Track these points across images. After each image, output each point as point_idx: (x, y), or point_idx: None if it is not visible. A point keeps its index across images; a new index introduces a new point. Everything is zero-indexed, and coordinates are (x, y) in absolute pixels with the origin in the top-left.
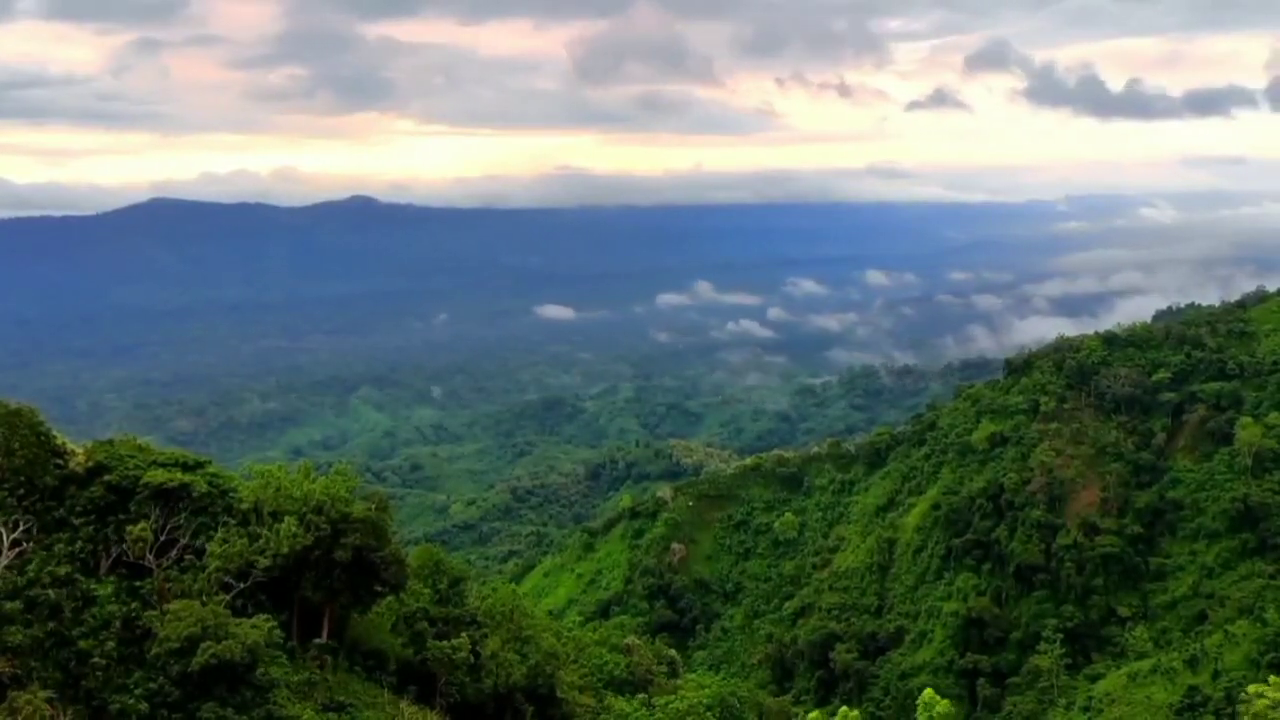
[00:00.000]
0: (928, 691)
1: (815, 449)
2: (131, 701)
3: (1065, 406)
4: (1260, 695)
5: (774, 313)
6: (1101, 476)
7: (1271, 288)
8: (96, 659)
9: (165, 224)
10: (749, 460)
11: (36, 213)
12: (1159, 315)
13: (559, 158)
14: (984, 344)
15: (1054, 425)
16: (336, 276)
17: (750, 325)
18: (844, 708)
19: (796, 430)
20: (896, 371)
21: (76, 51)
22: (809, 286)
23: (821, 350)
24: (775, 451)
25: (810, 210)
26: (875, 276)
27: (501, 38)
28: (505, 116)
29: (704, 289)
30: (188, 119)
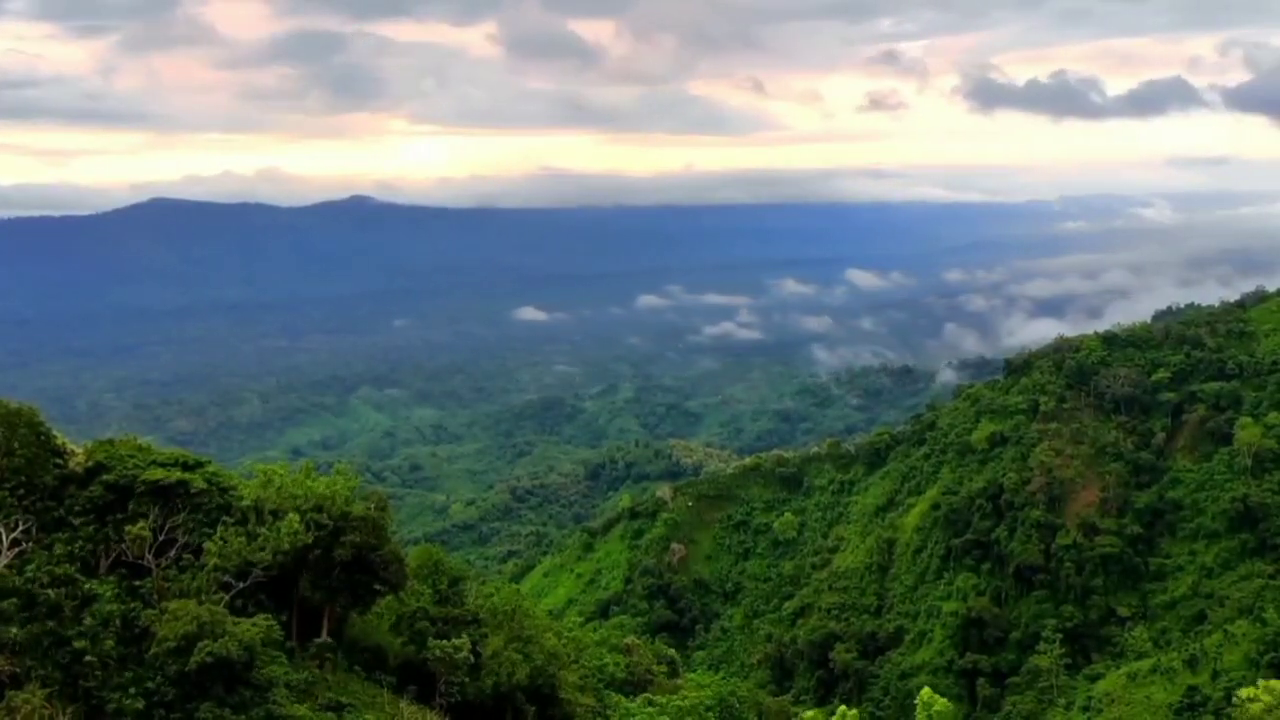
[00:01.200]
0: (926, 690)
1: (815, 449)
2: (129, 700)
3: (1065, 406)
4: (1254, 699)
5: (765, 313)
6: (1101, 476)
7: (1271, 288)
8: (94, 658)
9: (164, 224)
10: (749, 460)
11: (35, 213)
12: (1158, 315)
13: (557, 157)
14: (981, 344)
15: (1054, 425)
16: (336, 276)
17: (733, 327)
18: (843, 707)
19: (796, 430)
20: (896, 371)
21: (66, 51)
22: (800, 287)
23: (808, 351)
24: (775, 451)
25: (808, 210)
26: (868, 277)
27: (491, 39)
28: (499, 116)
29: (699, 289)
30: (180, 119)
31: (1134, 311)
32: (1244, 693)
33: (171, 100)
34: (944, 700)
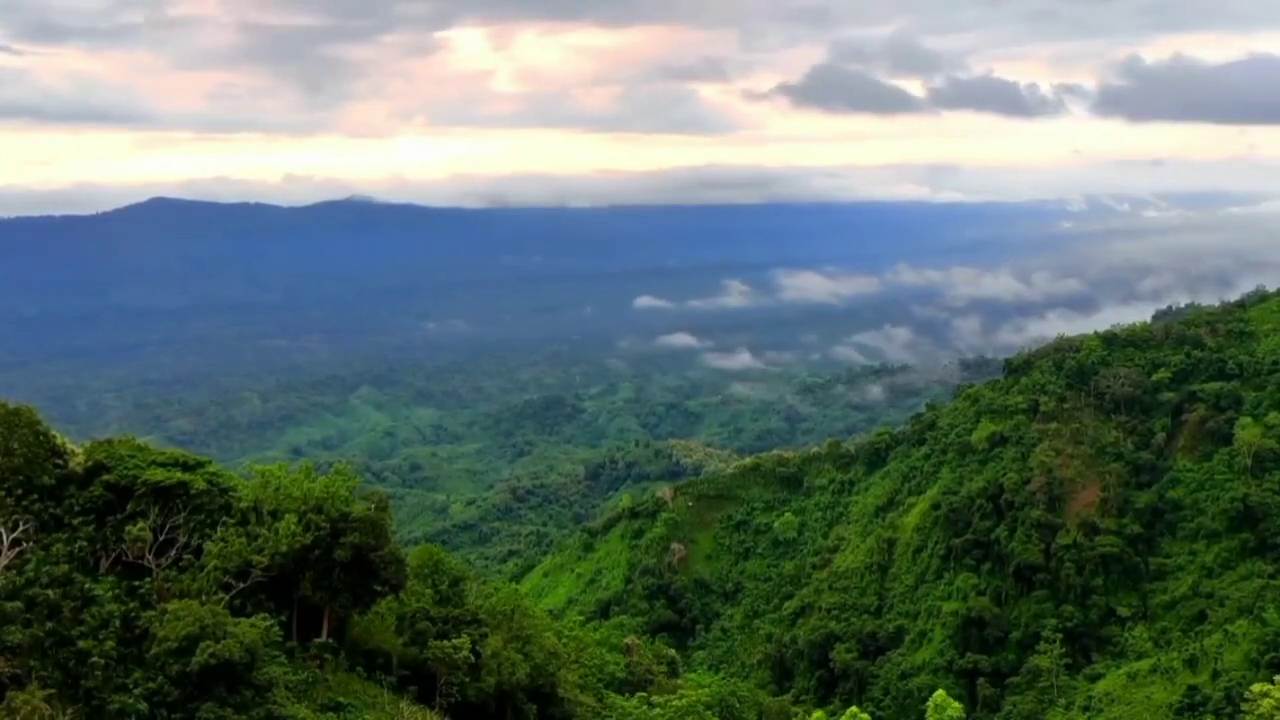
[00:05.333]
0: (940, 693)
1: (815, 449)
2: (131, 701)
3: (1065, 406)
4: (1266, 695)
5: (763, 312)
6: (1101, 476)
7: (1271, 287)
8: (96, 659)
9: (164, 224)
10: (749, 460)
11: (35, 213)
12: (1159, 315)
13: (552, 156)
14: (979, 343)
15: (1054, 425)
16: (336, 276)
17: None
18: (854, 708)
19: (796, 430)
20: (896, 371)
21: (46, 50)
22: (801, 284)
23: (811, 345)
24: (775, 451)
25: (802, 210)
26: (838, 279)
27: (475, 40)
28: (491, 117)
29: (702, 288)
30: (158, 119)
31: (1142, 311)
32: (1256, 688)
33: (148, 101)
34: (957, 704)
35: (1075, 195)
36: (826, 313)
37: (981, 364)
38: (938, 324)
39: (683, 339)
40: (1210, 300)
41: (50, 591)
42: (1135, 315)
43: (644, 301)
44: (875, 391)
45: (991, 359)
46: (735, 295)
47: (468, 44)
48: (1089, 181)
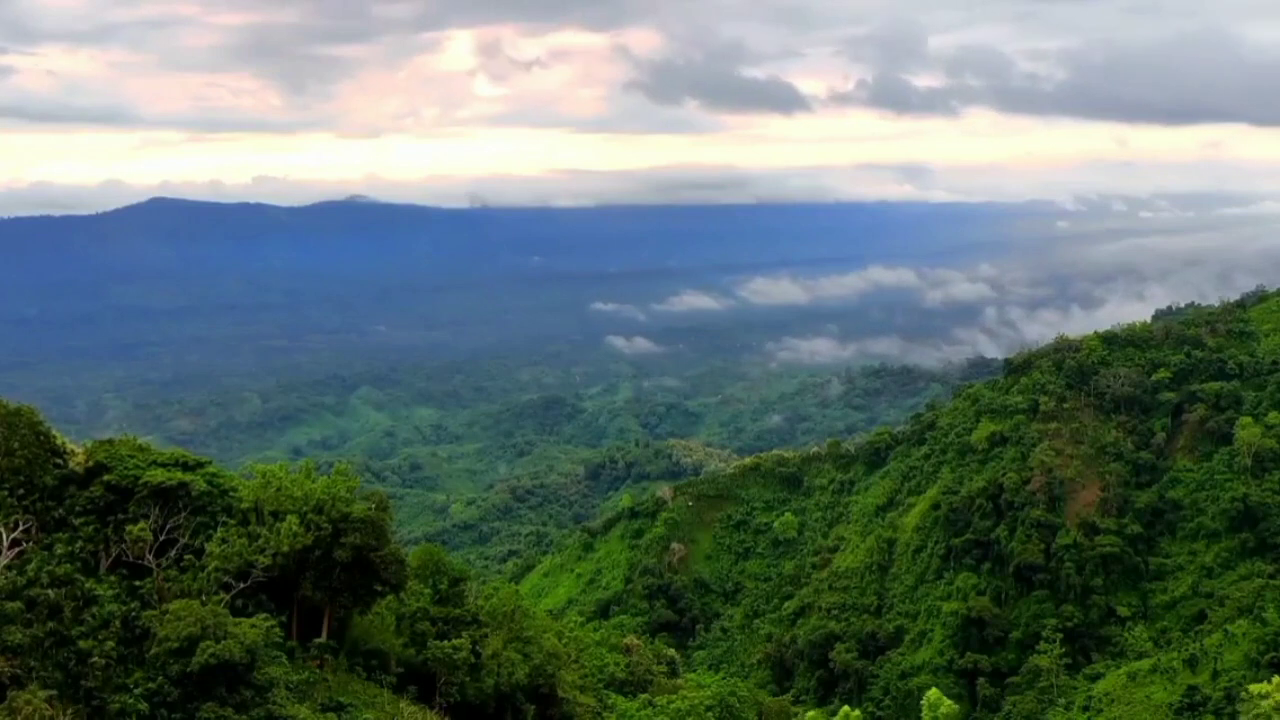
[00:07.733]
0: (934, 691)
1: (815, 449)
2: (131, 701)
3: (1065, 406)
4: (1264, 696)
5: (741, 314)
6: (1101, 476)
7: (1271, 288)
8: (96, 659)
9: (164, 224)
10: (749, 460)
11: (36, 213)
12: (1159, 315)
13: (549, 157)
14: (982, 344)
15: (1054, 425)
16: (336, 276)
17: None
18: (845, 707)
19: (796, 430)
20: (896, 371)
21: (31, 50)
22: (775, 287)
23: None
24: (775, 451)
25: (787, 211)
26: (864, 278)
27: (463, 41)
28: (502, 116)
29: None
30: (145, 120)
31: (1142, 311)
32: (1255, 688)
33: (136, 102)
34: (950, 702)
35: (1069, 196)
36: (817, 313)
37: (981, 364)
38: (930, 325)
39: (645, 343)
40: (1209, 300)
41: (51, 591)
42: (1131, 314)
43: (633, 305)
44: (875, 391)
45: (991, 359)
46: (713, 298)
47: (459, 45)
48: (1085, 182)
